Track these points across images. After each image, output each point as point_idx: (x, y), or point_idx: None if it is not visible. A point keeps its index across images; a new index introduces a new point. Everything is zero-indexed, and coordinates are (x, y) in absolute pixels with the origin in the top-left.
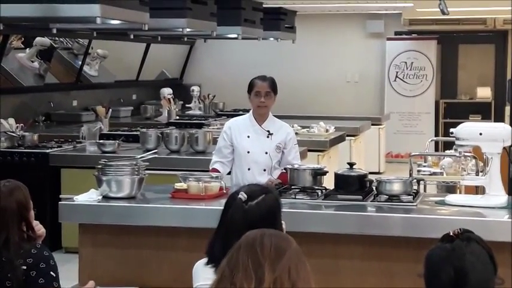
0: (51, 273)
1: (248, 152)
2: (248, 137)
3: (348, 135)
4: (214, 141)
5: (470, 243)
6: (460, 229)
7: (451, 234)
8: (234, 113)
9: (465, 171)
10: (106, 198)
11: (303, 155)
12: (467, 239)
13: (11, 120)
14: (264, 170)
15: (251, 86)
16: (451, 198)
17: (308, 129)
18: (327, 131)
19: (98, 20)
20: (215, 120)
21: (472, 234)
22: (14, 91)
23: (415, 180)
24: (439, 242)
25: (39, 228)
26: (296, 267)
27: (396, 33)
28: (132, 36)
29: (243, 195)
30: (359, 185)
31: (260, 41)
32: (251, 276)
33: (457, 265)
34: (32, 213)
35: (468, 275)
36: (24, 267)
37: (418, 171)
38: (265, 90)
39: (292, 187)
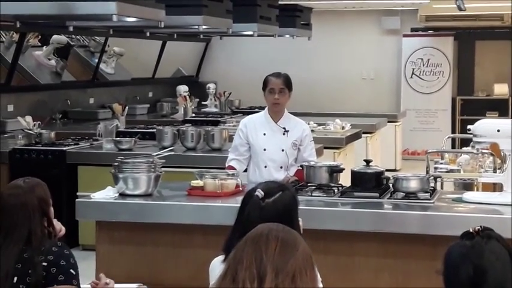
0: (71, 271)
1: (264, 150)
2: (264, 134)
3: (364, 133)
4: (230, 138)
5: (490, 241)
6: (480, 226)
7: (471, 231)
8: (250, 110)
9: (482, 168)
10: (123, 195)
11: (319, 152)
12: (487, 237)
13: (28, 118)
14: (281, 167)
15: (265, 83)
16: (468, 195)
17: (324, 126)
18: (343, 128)
19: (114, 18)
20: (231, 117)
21: (492, 232)
22: (31, 89)
23: (432, 178)
24: (459, 239)
25: (60, 228)
26: (300, 274)
27: (412, 29)
28: (148, 34)
29: (259, 193)
30: (375, 182)
31: (276, 38)
32: (253, 276)
33: (476, 263)
34: (52, 209)
35: (487, 273)
36: (45, 264)
37: (435, 168)
38: (279, 87)
39: (309, 184)
